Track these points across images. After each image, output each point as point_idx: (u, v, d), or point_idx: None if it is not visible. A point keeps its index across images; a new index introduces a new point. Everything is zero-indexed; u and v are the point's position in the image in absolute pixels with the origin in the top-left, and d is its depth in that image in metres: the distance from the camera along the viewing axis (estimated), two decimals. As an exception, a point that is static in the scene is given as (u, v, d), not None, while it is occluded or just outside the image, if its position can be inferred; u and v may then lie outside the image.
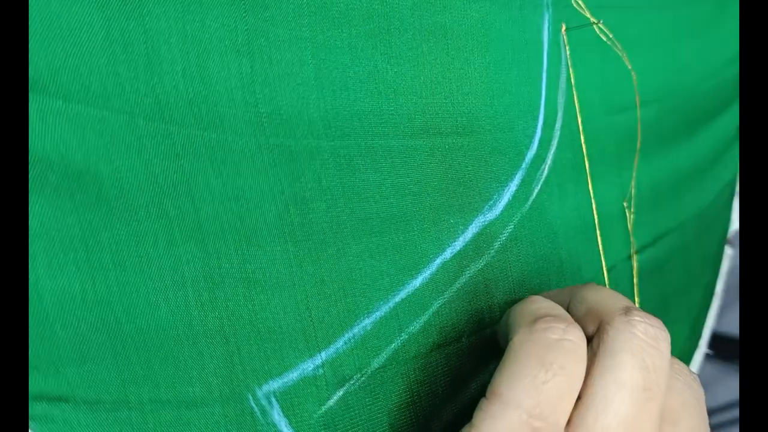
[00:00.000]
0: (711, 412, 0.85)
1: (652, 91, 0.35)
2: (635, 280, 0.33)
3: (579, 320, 0.20)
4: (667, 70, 0.36)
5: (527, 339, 0.19)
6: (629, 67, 0.29)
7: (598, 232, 0.32)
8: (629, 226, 0.32)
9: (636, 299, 0.34)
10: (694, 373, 0.21)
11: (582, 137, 0.30)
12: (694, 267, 0.42)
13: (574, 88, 0.30)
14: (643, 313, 0.19)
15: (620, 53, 0.29)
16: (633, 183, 0.32)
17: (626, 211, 0.32)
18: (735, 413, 0.83)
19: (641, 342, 0.19)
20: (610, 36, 0.29)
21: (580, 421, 0.18)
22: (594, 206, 0.31)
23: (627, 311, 0.19)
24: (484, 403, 0.18)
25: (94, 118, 0.17)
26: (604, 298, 0.21)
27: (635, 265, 0.33)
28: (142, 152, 0.18)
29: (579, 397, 0.18)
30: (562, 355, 0.18)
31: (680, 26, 0.37)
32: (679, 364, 0.20)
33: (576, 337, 0.19)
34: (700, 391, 0.20)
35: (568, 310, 0.22)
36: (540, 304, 0.21)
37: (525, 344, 0.19)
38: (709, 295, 0.45)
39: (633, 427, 0.18)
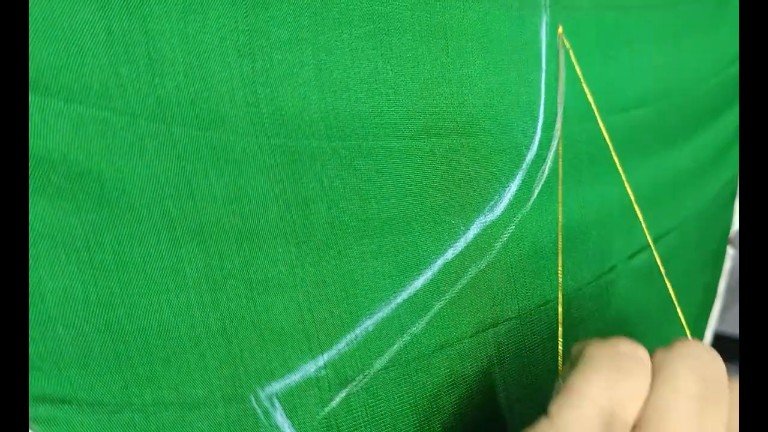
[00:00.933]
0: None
1: (652, 91, 0.35)
2: (661, 270, 0.33)
3: None
4: (667, 70, 0.36)
5: (602, 348, 0.20)
6: (580, 77, 0.30)
7: (604, 230, 0.32)
8: (643, 224, 0.32)
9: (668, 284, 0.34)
10: None
11: (583, 137, 0.30)
12: (695, 267, 0.42)
13: (575, 88, 0.30)
14: (698, 341, 0.21)
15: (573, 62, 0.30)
16: (628, 187, 0.32)
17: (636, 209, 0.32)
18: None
19: (697, 357, 0.20)
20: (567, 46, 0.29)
21: (645, 424, 0.19)
22: (595, 206, 0.31)
23: (683, 340, 0.21)
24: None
25: (96, 118, 0.17)
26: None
27: (656, 254, 0.34)
28: (144, 153, 0.18)
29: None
30: (633, 363, 0.20)
31: (680, 26, 0.37)
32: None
33: (644, 353, 0.20)
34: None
35: None
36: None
37: (600, 351, 0.20)
38: (709, 295, 0.45)
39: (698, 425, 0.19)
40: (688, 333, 0.34)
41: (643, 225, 0.32)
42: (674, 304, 0.39)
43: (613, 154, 0.31)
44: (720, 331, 0.48)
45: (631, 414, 0.19)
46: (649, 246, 0.36)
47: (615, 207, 0.33)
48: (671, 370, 0.20)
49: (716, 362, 0.20)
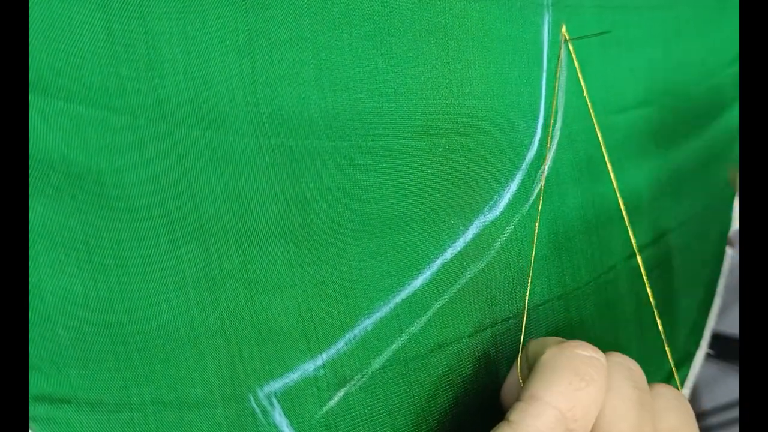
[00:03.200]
0: (711, 412, 0.85)
1: (652, 91, 0.35)
2: (645, 277, 0.33)
3: None
4: (667, 70, 0.36)
5: (560, 354, 0.20)
6: (582, 87, 0.30)
7: (604, 230, 0.32)
8: (630, 230, 0.32)
9: (648, 291, 0.34)
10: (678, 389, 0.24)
11: (582, 137, 0.30)
12: (695, 267, 0.42)
13: (575, 88, 0.30)
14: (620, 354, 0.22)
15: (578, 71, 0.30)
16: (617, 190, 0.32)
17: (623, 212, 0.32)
18: (735, 413, 0.83)
19: (628, 366, 0.22)
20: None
21: (600, 428, 0.20)
22: (594, 206, 0.31)
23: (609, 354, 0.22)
24: (520, 405, 0.19)
25: (96, 118, 0.17)
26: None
27: (640, 261, 0.34)
28: (144, 152, 0.18)
29: None
30: (594, 369, 0.20)
31: (680, 26, 0.37)
32: (665, 387, 0.23)
33: (602, 358, 0.21)
34: (682, 398, 0.23)
35: None
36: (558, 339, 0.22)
37: (558, 357, 0.20)
38: (709, 295, 0.45)
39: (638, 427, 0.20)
40: (664, 338, 0.34)
41: (630, 231, 0.32)
42: (674, 304, 0.39)
43: (605, 156, 0.31)
44: (719, 331, 0.48)
45: (591, 419, 0.20)
46: (650, 245, 0.36)
47: (614, 207, 0.33)
48: (614, 378, 0.21)
49: (640, 370, 0.22)
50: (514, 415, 0.19)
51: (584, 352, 0.20)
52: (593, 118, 0.30)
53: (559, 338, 0.23)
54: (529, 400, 0.19)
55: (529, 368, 0.21)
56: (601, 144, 0.31)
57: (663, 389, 0.22)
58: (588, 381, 0.19)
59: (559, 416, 0.19)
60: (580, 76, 0.30)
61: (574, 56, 0.29)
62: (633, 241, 0.33)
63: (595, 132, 0.31)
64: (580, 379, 0.19)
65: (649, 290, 0.33)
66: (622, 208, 0.32)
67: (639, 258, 0.31)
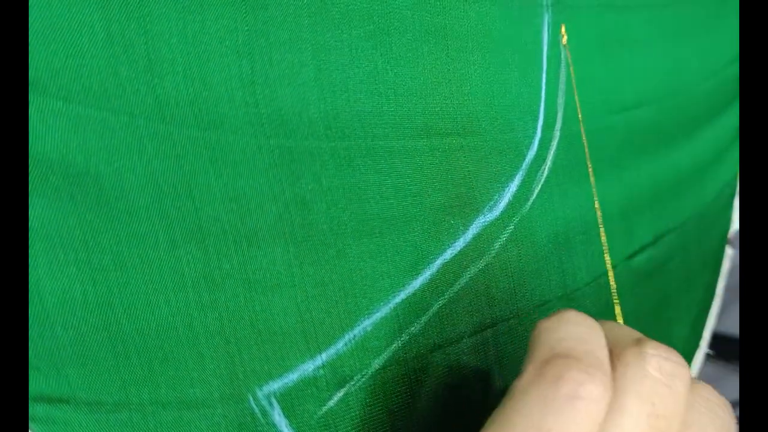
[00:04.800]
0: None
1: (652, 91, 0.35)
2: (614, 293, 0.32)
3: None
4: (667, 70, 0.36)
5: (531, 384, 0.16)
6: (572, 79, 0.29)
7: (602, 230, 0.32)
8: (603, 239, 0.32)
9: (616, 309, 0.34)
10: (722, 398, 0.18)
11: (582, 137, 0.30)
12: (694, 267, 0.42)
13: (574, 89, 0.30)
14: (657, 345, 0.17)
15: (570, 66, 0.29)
16: (596, 198, 0.32)
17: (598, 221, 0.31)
18: (735, 413, 0.82)
19: (653, 382, 0.16)
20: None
21: None
22: (595, 206, 0.31)
23: (639, 342, 0.17)
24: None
25: (95, 119, 0.17)
26: (613, 329, 0.18)
27: (612, 280, 0.33)
28: (143, 153, 0.18)
29: None
30: (564, 420, 0.15)
31: (680, 26, 0.37)
32: (705, 390, 0.17)
33: (593, 392, 0.15)
34: (729, 418, 0.17)
35: None
36: (567, 331, 0.17)
37: (528, 392, 0.16)
38: (709, 295, 0.45)
39: None
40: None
41: (604, 246, 0.32)
42: (674, 304, 0.39)
43: (588, 160, 0.30)
44: (719, 331, 0.48)
45: None
46: (650, 246, 0.36)
47: (614, 207, 0.33)
48: (620, 403, 0.16)
49: (676, 378, 0.16)
50: (520, 377, 0.16)
51: (564, 388, 0.15)
52: (580, 121, 0.29)
53: (571, 325, 0.17)
54: (492, 426, 0.16)
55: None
56: (586, 149, 0.31)
57: (700, 397, 0.17)
58: (567, 411, 0.15)
59: None
60: (573, 78, 0.30)
61: (570, 59, 0.29)
62: (607, 258, 0.32)
63: (595, 132, 0.31)
64: (555, 411, 0.15)
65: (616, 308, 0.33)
66: (599, 214, 0.32)
67: (611, 276, 0.31)
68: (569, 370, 0.15)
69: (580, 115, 0.30)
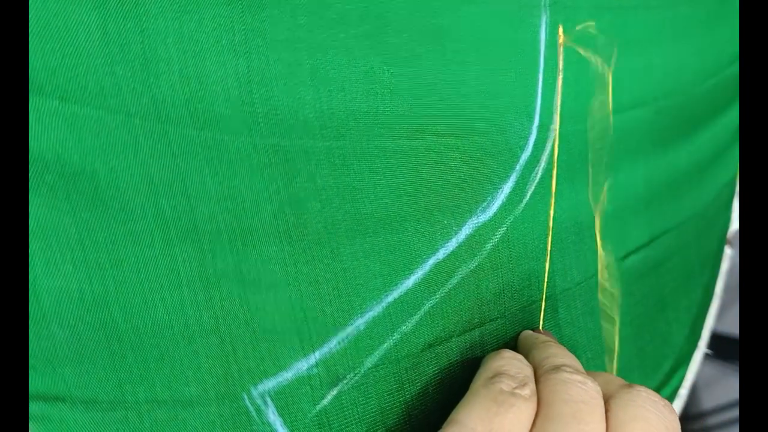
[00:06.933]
0: (710, 412, 0.84)
1: (651, 91, 0.35)
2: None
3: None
4: (667, 70, 0.36)
5: (480, 389, 0.21)
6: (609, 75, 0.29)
7: (597, 230, 0.32)
8: (598, 238, 0.32)
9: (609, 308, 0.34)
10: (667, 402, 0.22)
11: (576, 138, 0.30)
12: (694, 267, 0.42)
13: (571, 90, 0.30)
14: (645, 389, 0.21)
15: (597, 63, 0.29)
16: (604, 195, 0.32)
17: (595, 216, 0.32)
18: (735, 413, 0.82)
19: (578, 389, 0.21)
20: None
21: None
22: (590, 207, 0.31)
23: (629, 386, 0.22)
24: (442, 429, 0.20)
25: (91, 118, 0.17)
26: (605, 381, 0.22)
27: (604, 280, 0.33)
28: (139, 152, 0.18)
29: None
30: (507, 410, 0.20)
31: (680, 26, 0.37)
32: (641, 394, 0.21)
33: (524, 393, 0.21)
34: (669, 415, 0.21)
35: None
36: (503, 359, 0.23)
37: (478, 394, 0.21)
38: (708, 295, 0.45)
39: None
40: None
41: (598, 246, 0.32)
42: (673, 304, 0.39)
43: (584, 161, 0.30)
44: (718, 331, 0.48)
45: None
46: (644, 246, 0.35)
47: (609, 207, 0.33)
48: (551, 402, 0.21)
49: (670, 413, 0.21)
50: None
51: (505, 385, 0.21)
52: (556, 126, 0.29)
53: (506, 358, 0.22)
54: (449, 425, 0.20)
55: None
56: (591, 150, 0.31)
57: (636, 396, 0.21)
58: (507, 407, 0.20)
59: None
60: (569, 79, 0.30)
61: (560, 61, 0.29)
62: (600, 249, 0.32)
63: (591, 133, 0.31)
64: (498, 404, 0.20)
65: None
66: (597, 215, 0.32)
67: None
68: (507, 381, 0.21)
69: (575, 118, 0.30)
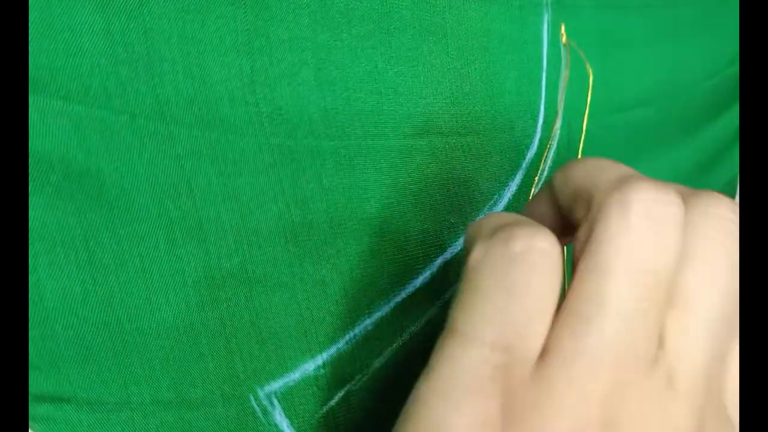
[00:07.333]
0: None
1: (651, 91, 0.35)
2: None
3: (568, 210, 0.17)
4: (667, 70, 0.36)
5: (484, 256, 0.15)
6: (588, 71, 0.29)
7: None
8: None
9: None
10: (729, 204, 0.16)
11: (582, 137, 0.30)
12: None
13: (575, 88, 0.30)
14: (641, 187, 0.14)
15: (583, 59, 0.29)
16: None
17: None
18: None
19: (638, 232, 0.14)
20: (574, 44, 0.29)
21: (554, 347, 0.14)
22: None
23: (620, 187, 0.15)
24: (440, 342, 0.15)
25: (95, 118, 0.17)
26: (592, 169, 0.16)
27: None
28: (143, 152, 0.18)
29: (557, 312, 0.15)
30: (527, 271, 0.14)
31: (680, 26, 0.37)
32: (710, 206, 0.15)
33: (545, 243, 0.14)
34: (732, 243, 0.15)
35: (556, 204, 0.18)
36: (501, 216, 0.16)
37: (482, 263, 0.15)
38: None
39: (624, 349, 0.14)
40: None
41: None
42: None
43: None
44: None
45: (534, 338, 0.14)
46: None
47: None
48: (599, 262, 0.14)
49: (668, 225, 0.14)
50: (433, 359, 0.15)
51: (515, 246, 0.14)
52: (560, 124, 0.29)
53: (502, 215, 0.17)
54: (449, 335, 0.15)
55: None
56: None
57: (703, 221, 0.15)
58: (518, 292, 0.14)
59: (485, 352, 0.14)
60: (572, 78, 0.30)
61: (569, 58, 0.29)
62: None
63: (595, 131, 0.31)
64: (507, 293, 0.14)
65: None
66: None
67: None
68: (519, 229, 0.15)
69: (578, 116, 0.30)
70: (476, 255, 0.15)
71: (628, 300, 0.14)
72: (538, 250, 0.14)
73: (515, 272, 0.14)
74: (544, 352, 0.14)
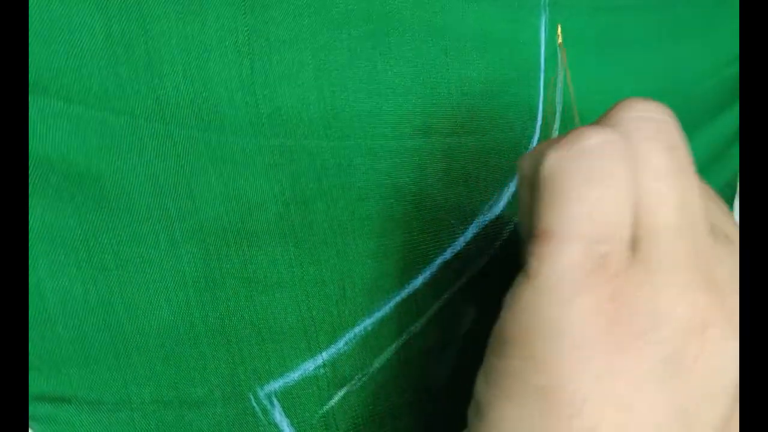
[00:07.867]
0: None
1: (650, 91, 0.35)
2: None
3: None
4: (666, 70, 0.36)
5: (561, 157, 0.15)
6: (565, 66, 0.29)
7: None
8: None
9: None
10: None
11: None
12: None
13: (571, 89, 0.30)
14: (641, 105, 0.16)
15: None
16: None
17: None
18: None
19: (653, 125, 0.16)
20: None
21: (646, 230, 0.15)
22: None
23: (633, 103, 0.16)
24: (535, 247, 0.15)
25: (95, 119, 0.17)
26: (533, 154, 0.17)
27: None
28: (143, 153, 0.18)
29: None
30: (608, 161, 0.15)
31: (679, 26, 0.37)
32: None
33: (615, 137, 0.15)
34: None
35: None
36: (552, 138, 0.17)
37: (560, 164, 0.15)
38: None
39: (701, 220, 0.16)
40: None
41: None
42: None
43: None
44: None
45: (626, 226, 0.15)
46: None
47: None
48: (640, 151, 0.15)
49: (673, 121, 0.16)
50: (531, 265, 0.15)
51: (589, 140, 0.15)
52: (558, 125, 0.29)
53: (555, 137, 0.17)
54: (543, 238, 0.15)
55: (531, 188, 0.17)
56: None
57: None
58: (605, 182, 0.15)
59: (586, 247, 0.15)
60: (570, 78, 0.30)
61: (566, 59, 0.29)
62: None
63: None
64: (594, 185, 0.15)
65: None
66: None
67: None
68: (586, 128, 0.16)
69: (576, 116, 0.30)
70: (552, 159, 0.15)
71: (674, 170, 0.16)
72: (611, 143, 0.15)
73: (597, 164, 0.15)
74: (637, 238, 0.15)
